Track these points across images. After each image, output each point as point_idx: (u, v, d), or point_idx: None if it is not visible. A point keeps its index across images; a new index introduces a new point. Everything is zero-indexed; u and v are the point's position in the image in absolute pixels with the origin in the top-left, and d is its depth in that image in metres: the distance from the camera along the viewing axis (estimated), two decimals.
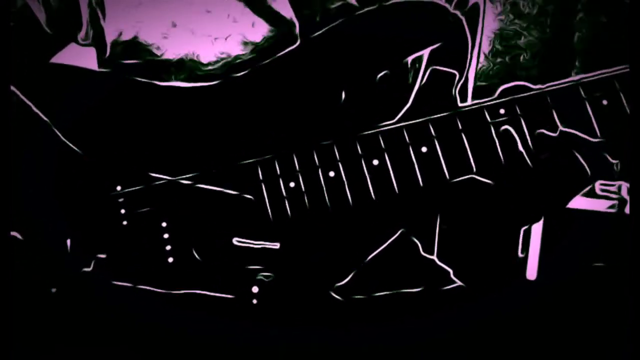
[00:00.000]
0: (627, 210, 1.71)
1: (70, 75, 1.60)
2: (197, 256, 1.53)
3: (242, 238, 1.54)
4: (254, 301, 1.53)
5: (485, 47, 1.72)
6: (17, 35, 1.64)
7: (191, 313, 1.52)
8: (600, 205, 1.71)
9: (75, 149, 1.55)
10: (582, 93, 1.51)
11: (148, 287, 1.52)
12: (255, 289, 1.53)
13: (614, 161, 1.50)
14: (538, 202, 1.52)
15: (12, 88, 1.55)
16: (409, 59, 1.56)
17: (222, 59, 1.62)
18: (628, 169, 1.51)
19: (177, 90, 1.59)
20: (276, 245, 1.54)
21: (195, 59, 1.62)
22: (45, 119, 1.55)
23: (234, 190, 1.54)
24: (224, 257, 1.53)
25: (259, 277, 1.53)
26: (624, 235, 1.59)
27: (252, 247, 1.53)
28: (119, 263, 1.53)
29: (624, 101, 1.51)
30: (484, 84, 1.69)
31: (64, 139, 1.55)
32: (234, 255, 1.53)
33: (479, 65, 1.67)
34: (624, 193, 1.71)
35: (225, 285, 1.53)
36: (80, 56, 1.65)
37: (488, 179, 1.51)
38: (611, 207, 1.72)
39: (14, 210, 1.52)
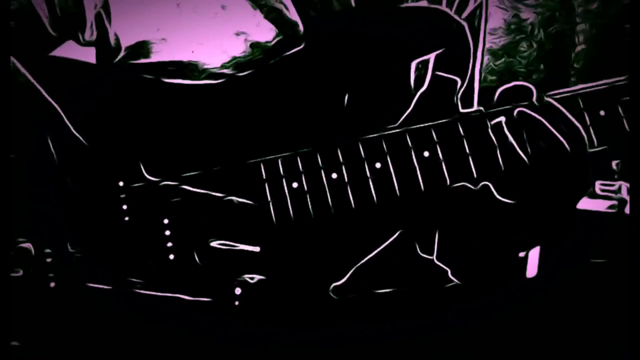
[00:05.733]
0: (627, 210, 1.71)
1: (75, 70, 1.61)
2: (197, 259, 1.54)
3: (242, 237, 1.55)
4: (236, 303, 1.54)
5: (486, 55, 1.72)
6: (18, 34, 1.64)
7: (174, 313, 1.53)
8: (600, 205, 1.72)
9: (83, 141, 1.56)
10: (581, 104, 1.52)
11: (130, 289, 1.53)
12: (238, 291, 1.54)
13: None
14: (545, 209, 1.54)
15: (24, 71, 1.55)
16: (413, 63, 1.57)
17: (228, 60, 1.63)
18: (628, 169, 1.52)
19: (182, 87, 1.59)
20: (256, 249, 1.54)
21: (201, 60, 1.63)
22: (59, 110, 1.55)
23: (237, 190, 1.55)
24: (215, 258, 1.54)
25: (241, 279, 1.54)
26: (624, 235, 1.59)
27: (236, 250, 1.54)
28: (119, 260, 1.54)
29: (621, 112, 1.52)
30: (485, 84, 1.70)
31: (74, 131, 1.55)
32: (221, 258, 1.54)
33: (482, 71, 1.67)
34: (624, 193, 1.71)
35: (207, 287, 1.54)
36: (80, 51, 1.66)
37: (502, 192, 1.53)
38: (611, 207, 1.72)
39: (14, 209, 1.53)
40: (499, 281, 1.66)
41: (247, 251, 1.54)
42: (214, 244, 1.53)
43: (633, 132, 1.49)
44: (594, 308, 1.69)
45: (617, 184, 1.71)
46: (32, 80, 1.55)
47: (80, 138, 1.55)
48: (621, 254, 1.67)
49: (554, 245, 1.66)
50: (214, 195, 1.54)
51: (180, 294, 1.53)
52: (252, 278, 1.53)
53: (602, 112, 1.52)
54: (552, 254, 1.69)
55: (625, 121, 1.51)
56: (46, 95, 1.55)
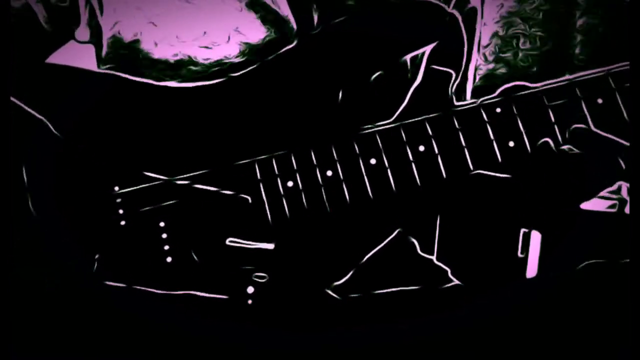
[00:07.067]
0: (627, 210, 1.70)
1: (67, 76, 1.61)
2: (195, 257, 1.53)
3: (239, 238, 1.54)
4: (249, 302, 1.53)
5: (482, 47, 1.72)
6: (15, 34, 1.65)
7: (185, 314, 1.53)
8: (600, 205, 1.71)
9: (74, 149, 1.55)
10: (578, 92, 1.52)
11: (143, 288, 1.53)
12: (250, 290, 1.53)
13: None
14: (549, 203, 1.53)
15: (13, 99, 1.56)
16: (407, 57, 1.56)
17: (220, 59, 1.63)
18: (628, 169, 1.51)
19: (174, 90, 1.59)
20: (270, 246, 1.54)
21: (193, 59, 1.63)
22: (45, 120, 1.55)
23: (231, 190, 1.54)
24: (219, 258, 1.53)
25: (254, 278, 1.53)
26: (624, 235, 1.59)
27: (247, 248, 1.53)
28: (117, 263, 1.54)
29: (619, 100, 1.51)
30: (482, 83, 1.69)
31: (63, 139, 1.55)
32: (229, 256, 1.53)
33: (478, 64, 1.67)
34: (624, 193, 1.71)
35: (220, 286, 1.53)
36: (78, 54, 1.66)
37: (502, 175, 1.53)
38: (611, 207, 1.72)
39: (14, 211, 1.53)
40: (499, 281, 1.65)
41: (255, 250, 1.54)
42: (228, 241, 1.53)
43: (633, 132, 1.48)
44: (595, 308, 1.68)
45: (617, 184, 1.70)
46: (24, 107, 1.55)
47: (74, 145, 1.55)
48: (621, 255, 1.66)
49: (554, 243, 1.66)
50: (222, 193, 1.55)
51: (188, 292, 1.53)
52: (262, 277, 1.53)
53: (599, 100, 1.51)
54: (552, 253, 1.68)
55: (623, 109, 1.51)
56: (34, 113, 1.55)
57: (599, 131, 1.51)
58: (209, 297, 1.52)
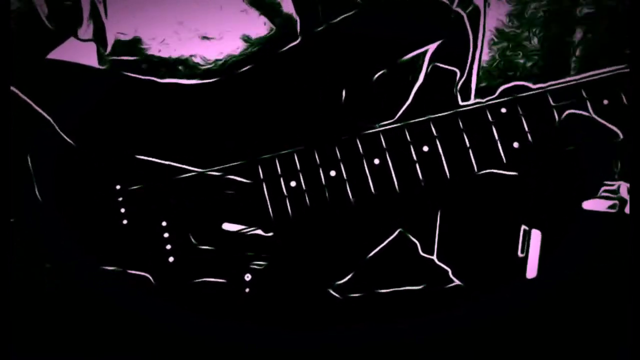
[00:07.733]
0: (627, 210, 1.71)
1: (70, 72, 1.60)
2: (193, 240, 1.53)
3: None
4: (247, 290, 1.53)
5: (487, 47, 1.72)
6: (17, 30, 1.64)
7: (184, 312, 1.53)
8: (600, 205, 1.71)
9: (76, 147, 1.55)
10: (583, 93, 1.52)
11: (139, 272, 1.52)
12: (247, 277, 1.53)
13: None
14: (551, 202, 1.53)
15: (13, 88, 1.55)
16: (410, 56, 1.56)
17: (223, 56, 1.62)
18: (628, 169, 1.51)
19: (177, 87, 1.59)
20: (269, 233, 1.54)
21: (196, 56, 1.62)
22: (47, 117, 1.55)
23: (232, 190, 1.54)
24: (218, 243, 1.53)
25: (252, 266, 1.53)
26: (624, 235, 1.59)
27: (246, 235, 1.53)
28: (117, 262, 1.53)
29: (625, 101, 1.51)
30: (484, 84, 1.69)
31: (65, 137, 1.55)
32: (228, 242, 1.53)
33: (481, 64, 1.67)
34: (624, 193, 1.71)
35: (218, 272, 1.53)
36: (80, 52, 1.65)
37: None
38: (611, 207, 1.72)
39: (14, 211, 1.52)
40: (500, 281, 1.65)
41: (254, 238, 1.53)
42: (226, 227, 1.53)
43: (633, 132, 1.48)
44: (594, 308, 1.68)
45: (617, 184, 1.70)
46: (21, 95, 1.55)
47: (76, 143, 1.55)
48: (621, 255, 1.66)
49: (554, 243, 1.66)
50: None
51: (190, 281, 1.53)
52: (260, 265, 1.53)
53: (605, 101, 1.52)
54: (552, 254, 1.68)
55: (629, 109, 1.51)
56: (38, 109, 1.54)
57: (596, 117, 1.51)
58: (207, 282, 1.52)
